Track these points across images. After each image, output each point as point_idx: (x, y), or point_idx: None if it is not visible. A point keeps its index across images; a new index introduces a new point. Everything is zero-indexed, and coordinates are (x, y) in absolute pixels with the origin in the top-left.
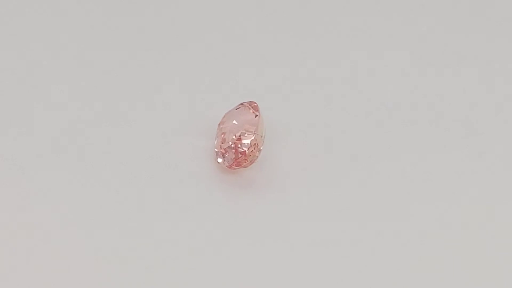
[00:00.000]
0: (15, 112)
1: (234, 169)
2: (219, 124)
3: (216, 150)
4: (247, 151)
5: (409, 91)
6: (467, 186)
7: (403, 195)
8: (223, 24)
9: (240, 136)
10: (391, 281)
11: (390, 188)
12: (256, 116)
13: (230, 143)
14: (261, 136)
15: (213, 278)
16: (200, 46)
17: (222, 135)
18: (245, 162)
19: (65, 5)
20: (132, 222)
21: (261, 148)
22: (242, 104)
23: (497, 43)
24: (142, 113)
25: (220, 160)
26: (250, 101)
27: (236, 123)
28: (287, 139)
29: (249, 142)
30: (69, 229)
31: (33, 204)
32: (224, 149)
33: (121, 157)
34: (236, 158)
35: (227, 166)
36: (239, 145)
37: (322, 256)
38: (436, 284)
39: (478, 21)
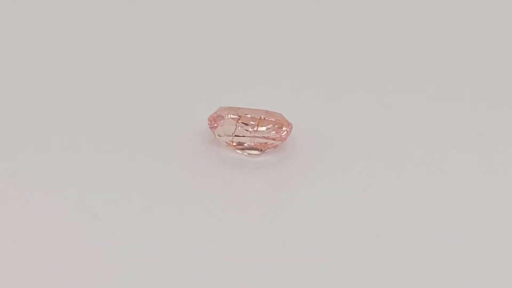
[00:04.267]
0: (15, 112)
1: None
2: None
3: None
4: (215, 116)
5: (410, 90)
6: (468, 187)
7: (404, 195)
8: (228, 28)
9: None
10: (392, 282)
11: (390, 188)
12: (257, 123)
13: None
14: (253, 137)
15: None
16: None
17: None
18: (213, 123)
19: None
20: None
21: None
22: (267, 111)
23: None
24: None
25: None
26: (277, 114)
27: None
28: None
29: (226, 114)
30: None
31: (32, 199)
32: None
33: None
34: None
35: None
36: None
37: (321, 257)
38: (435, 285)
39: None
